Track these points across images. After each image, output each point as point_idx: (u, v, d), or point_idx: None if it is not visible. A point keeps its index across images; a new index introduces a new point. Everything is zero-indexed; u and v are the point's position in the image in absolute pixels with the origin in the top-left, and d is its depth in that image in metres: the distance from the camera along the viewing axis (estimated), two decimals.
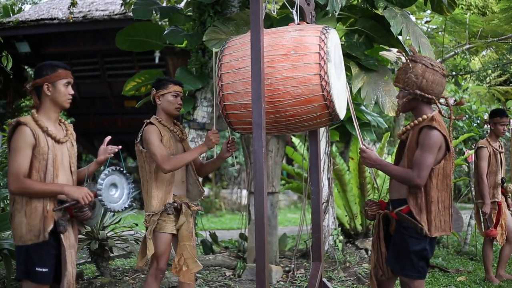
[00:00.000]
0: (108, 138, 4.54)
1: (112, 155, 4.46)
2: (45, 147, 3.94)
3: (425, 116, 4.18)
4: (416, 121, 4.22)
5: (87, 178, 4.31)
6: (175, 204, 4.91)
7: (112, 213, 7.24)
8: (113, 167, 4.34)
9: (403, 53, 4.30)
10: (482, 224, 7.42)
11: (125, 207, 4.39)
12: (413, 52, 4.36)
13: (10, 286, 5.78)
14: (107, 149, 4.46)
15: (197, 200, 5.19)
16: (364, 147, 4.38)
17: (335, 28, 5.18)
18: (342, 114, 4.51)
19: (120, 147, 4.57)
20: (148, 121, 4.99)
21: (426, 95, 4.17)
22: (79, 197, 4.00)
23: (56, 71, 4.06)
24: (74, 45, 16.51)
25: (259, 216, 4.06)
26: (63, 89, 4.08)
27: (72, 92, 4.16)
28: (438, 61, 11.84)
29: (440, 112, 4.29)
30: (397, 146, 4.59)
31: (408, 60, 4.22)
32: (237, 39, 4.55)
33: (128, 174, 4.47)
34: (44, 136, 3.96)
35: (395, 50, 4.37)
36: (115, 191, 4.34)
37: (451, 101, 10.63)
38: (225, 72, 4.35)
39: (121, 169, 4.41)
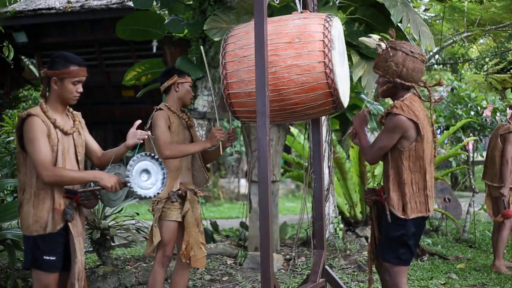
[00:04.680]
0: (138, 122, 4.36)
1: (142, 141, 4.29)
2: (55, 139, 3.91)
3: (393, 103, 4.27)
4: (389, 108, 4.28)
5: (113, 161, 4.23)
6: (179, 191, 4.95)
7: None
8: (143, 153, 4.19)
9: (383, 40, 4.31)
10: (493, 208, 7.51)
11: (158, 193, 4.24)
12: (392, 36, 4.39)
13: (14, 276, 5.79)
14: (136, 133, 4.26)
15: (203, 186, 5.23)
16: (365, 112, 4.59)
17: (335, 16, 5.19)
18: (346, 102, 4.53)
19: (149, 132, 4.47)
20: (157, 107, 5.03)
21: (406, 83, 4.23)
22: (108, 186, 3.97)
23: (67, 67, 3.95)
24: (71, 34, 16.45)
25: (263, 204, 4.08)
26: (71, 86, 3.98)
27: (80, 90, 4.04)
28: (436, 49, 11.71)
29: (419, 96, 4.34)
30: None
31: (388, 48, 4.24)
32: (240, 28, 4.55)
33: (160, 160, 4.30)
34: (53, 128, 3.92)
35: (375, 36, 4.38)
36: (147, 177, 4.17)
37: (445, 92, 10.56)
38: (229, 61, 4.36)
39: (153, 154, 4.27)
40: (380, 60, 4.28)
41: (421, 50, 4.38)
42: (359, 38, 4.60)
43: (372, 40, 4.35)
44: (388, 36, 4.69)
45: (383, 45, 4.27)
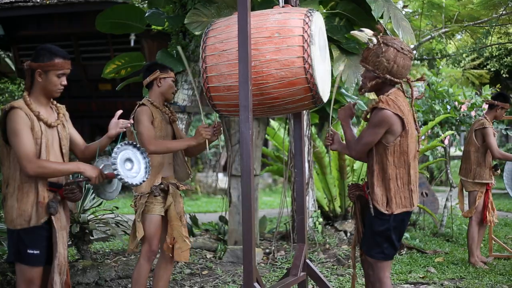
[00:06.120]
0: (120, 112, 4.36)
1: (125, 129, 4.30)
2: (39, 132, 3.90)
3: (378, 98, 4.27)
4: (374, 103, 4.28)
5: (98, 153, 4.23)
6: (162, 185, 4.94)
7: (92, 196, 7.23)
8: (125, 141, 4.21)
9: (376, 35, 4.30)
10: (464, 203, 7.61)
11: (144, 181, 4.26)
12: (380, 31, 4.38)
13: None
14: (118, 123, 4.29)
15: (185, 181, 5.23)
16: (332, 132, 4.67)
17: (317, 11, 5.19)
18: (325, 97, 4.53)
19: (132, 121, 4.50)
20: (140, 102, 5.01)
21: (395, 79, 4.22)
22: (93, 176, 3.99)
23: (52, 60, 3.95)
24: (48, 28, 16.27)
25: (246, 198, 4.08)
26: (55, 79, 3.98)
27: (65, 83, 4.04)
28: (414, 45, 11.80)
29: (403, 91, 4.35)
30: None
31: (380, 43, 4.23)
32: (221, 22, 4.54)
33: (142, 148, 4.33)
34: (37, 121, 3.91)
35: (368, 31, 4.36)
36: (131, 166, 4.20)
37: (423, 87, 10.62)
38: (209, 54, 4.34)
39: (134, 143, 4.28)
40: (371, 55, 4.24)
41: (409, 46, 4.39)
42: (351, 32, 4.57)
43: (364, 34, 4.32)
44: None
45: (375, 40, 4.26)
